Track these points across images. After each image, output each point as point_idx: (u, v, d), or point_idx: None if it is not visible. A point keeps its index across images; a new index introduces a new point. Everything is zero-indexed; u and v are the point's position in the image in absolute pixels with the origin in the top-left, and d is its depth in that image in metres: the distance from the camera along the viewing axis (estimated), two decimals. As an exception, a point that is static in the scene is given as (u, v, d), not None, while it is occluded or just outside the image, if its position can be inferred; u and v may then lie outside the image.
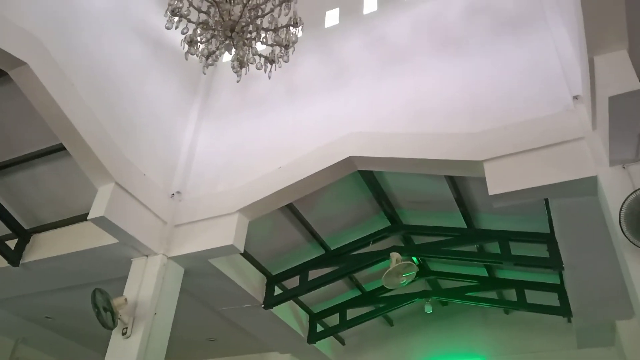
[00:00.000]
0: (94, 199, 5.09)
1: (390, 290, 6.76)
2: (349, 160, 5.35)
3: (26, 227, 6.33)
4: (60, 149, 5.45)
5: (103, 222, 5.00)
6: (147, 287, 5.31)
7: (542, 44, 5.03)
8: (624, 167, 3.90)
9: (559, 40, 4.91)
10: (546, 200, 5.00)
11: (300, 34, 4.23)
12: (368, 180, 6.03)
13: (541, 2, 5.25)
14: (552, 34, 5.01)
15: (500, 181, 4.35)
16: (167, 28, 3.68)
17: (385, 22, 6.38)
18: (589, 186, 4.11)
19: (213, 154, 6.33)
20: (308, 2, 6.12)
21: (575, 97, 4.42)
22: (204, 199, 5.87)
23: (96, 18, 5.45)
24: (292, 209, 6.23)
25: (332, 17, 6.95)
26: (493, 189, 4.34)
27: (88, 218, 4.99)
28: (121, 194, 5.20)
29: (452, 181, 5.70)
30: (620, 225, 3.59)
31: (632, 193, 3.59)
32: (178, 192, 5.98)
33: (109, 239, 5.44)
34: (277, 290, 7.07)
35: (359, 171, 5.64)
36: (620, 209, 3.59)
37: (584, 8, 3.39)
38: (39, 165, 5.91)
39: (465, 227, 6.41)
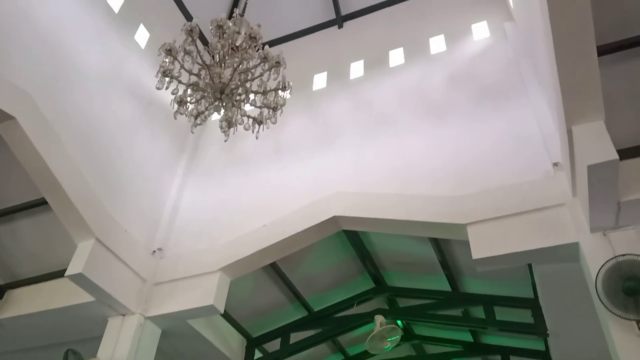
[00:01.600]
0: (73, 255, 4.98)
1: (374, 355, 6.58)
2: (334, 220, 5.35)
3: (1, 283, 6.12)
4: (41, 203, 5.39)
5: (80, 280, 4.87)
6: (122, 348, 5.10)
7: (522, 112, 5.19)
8: (605, 234, 3.95)
9: (539, 109, 5.09)
10: (529, 266, 5.00)
11: (288, 97, 4.33)
12: (353, 240, 6.01)
13: (521, 73, 5.48)
14: (532, 103, 5.19)
15: (483, 245, 4.37)
16: (158, 88, 3.74)
17: (371, 87, 6.59)
18: (570, 252, 4.13)
19: (197, 210, 6.29)
20: (297, 66, 6.33)
21: (555, 164, 4.53)
22: (185, 256, 5.78)
23: (89, 76, 5.54)
24: (275, 268, 6.14)
25: (320, 80, 7.16)
26: (477, 253, 4.35)
27: (65, 275, 4.86)
28: (101, 251, 5.10)
29: (437, 244, 5.70)
30: (597, 293, 3.59)
31: (606, 262, 3.62)
32: (159, 249, 5.89)
33: (85, 297, 5.28)
34: (257, 354, 6.84)
35: (344, 231, 5.64)
36: (597, 277, 3.61)
37: (562, 82, 3.54)
38: (19, 219, 5.81)
39: (450, 290, 6.35)
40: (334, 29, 7.86)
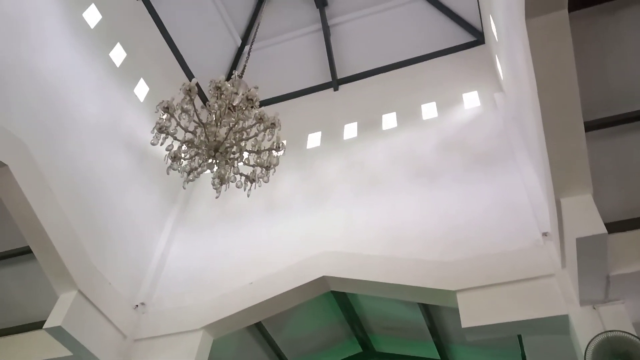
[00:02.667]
0: (54, 307, 4.84)
1: None
2: (323, 280, 5.28)
3: (-24, 333, 5.91)
4: (25, 252, 5.29)
5: (59, 333, 4.71)
6: (96, 408, 4.88)
7: (512, 180, 5.26)
8: (594, 308, 3.91)
9: (528, 178, 5.16)
10: (519, 336, 4.92)
11: (282, 155, 4.38)
12: (341, 302, 5.91)
13: (510, 142, 5.59)
14: (521, 172, 5.26)
15: (473, 314, 4.30)
16: (152, 144, 3.78)
17: (364, 148, 6.68)
18: (560, 325, 4.08)
19: (184, 265, 6.19)
20: (292, 124, 6.47)
21: (545, 234, 4.55)
22: (169, 312, 5.63)
23: (85, 126, 5.59)
24: (260, 328, 6.00)
25: (314, 140, 7.26)
26: (466, 321, 4.27)
27: (44, 327, 4.71)
28: (83, 303, 4.97)
29: (426, 309, 5.61)
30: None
31: (595, 336, 3.57)
32: (142, 304, 5.74)
33: (62, 351, 5.08)
34: (238, 418, 6.55)
35: (332, 292, 5.54)
36: (585, 352, 3.55)
37: (550, 155, 3.62)
38: (1, 267, 5.68)
39: (439, 358, 6.19)
40: (329, 91, 8.07)
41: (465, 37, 7.43)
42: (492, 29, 5.97)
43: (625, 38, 3.82)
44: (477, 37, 7.32)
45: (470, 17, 7.33)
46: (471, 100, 6.48)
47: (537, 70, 3.43)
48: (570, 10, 3.30)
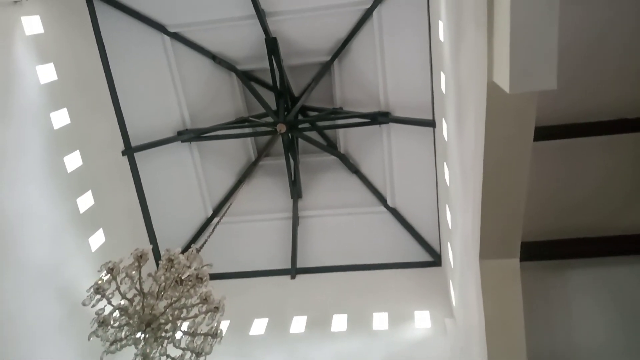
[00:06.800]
0: None
1: None
2: None
3: None
4: None
5: None
6: None
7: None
8: None
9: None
10: None
11: (218, 343, 4.08)
12: None
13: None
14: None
15: None
16: (84, 305, 3.53)
17: (309, 347, 6.40)
18: None
19: None
20: (241, 304, 6.22)
21: None
22: None
23: (27, 266, 5.35)
24: None
25: (259, 326, 6.95)
26: None
27: None
28: None
29: None
30: None
31: None
32: None
33: None
34: None
35: None
36: None
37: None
38: None
39: None
40: (287, 277, 8.04)
41: (423, 256, 7.73)
42: (450, 255, 6.22)
43: (572, 298, 3.96)
44: (435, 258, 7.62)
45: (431, 239, 7.71)
46: (422, 319, 6.48)
47: (487, 313, 3.47)
48: (521, 260, 3.47)
